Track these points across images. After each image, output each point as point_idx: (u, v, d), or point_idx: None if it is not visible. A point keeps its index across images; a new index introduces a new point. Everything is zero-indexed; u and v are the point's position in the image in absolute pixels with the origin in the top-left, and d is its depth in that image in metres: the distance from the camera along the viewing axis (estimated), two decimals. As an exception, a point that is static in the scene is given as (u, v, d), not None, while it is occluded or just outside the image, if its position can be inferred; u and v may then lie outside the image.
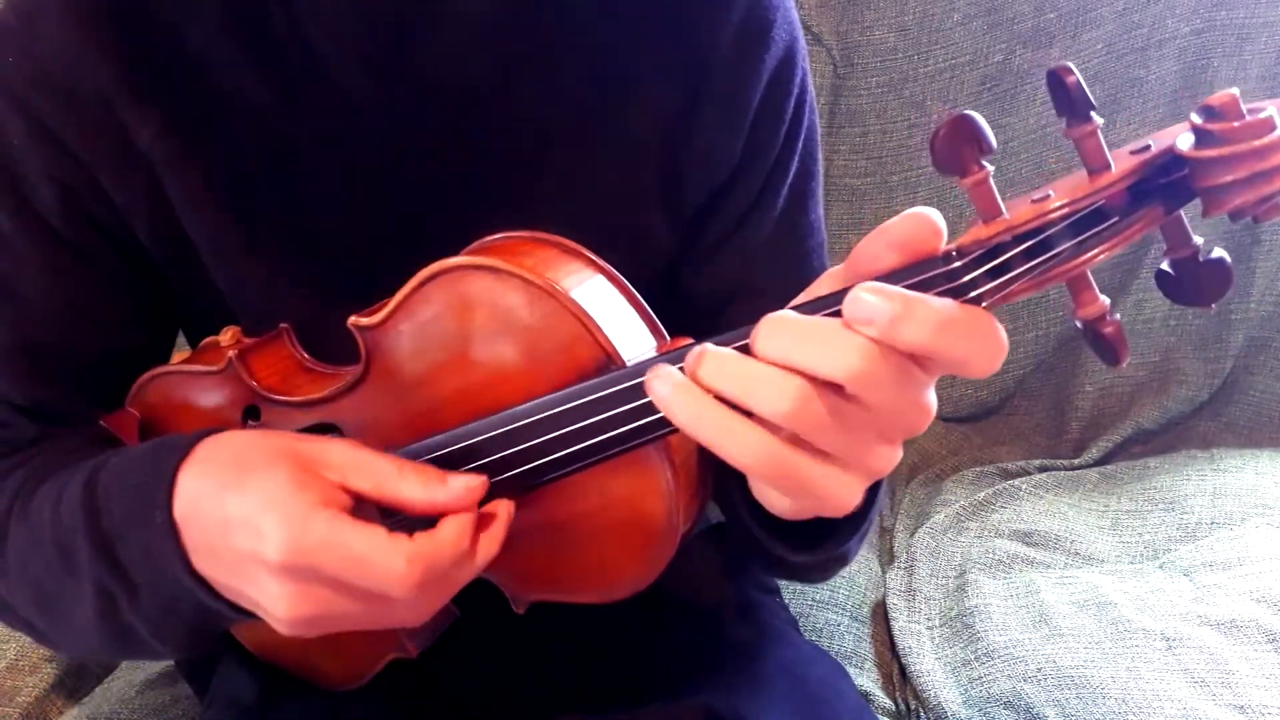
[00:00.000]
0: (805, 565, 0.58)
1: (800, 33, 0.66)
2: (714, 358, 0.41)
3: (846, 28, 1.22)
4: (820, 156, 0.70)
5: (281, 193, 0.61)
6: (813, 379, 0.39)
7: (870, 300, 0.39)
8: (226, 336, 0.60)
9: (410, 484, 0.49)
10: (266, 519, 0.47)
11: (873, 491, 0.57)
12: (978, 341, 0.39)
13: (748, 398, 0.40)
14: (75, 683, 0.96)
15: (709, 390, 0.41)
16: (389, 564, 0.47)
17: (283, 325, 0.61)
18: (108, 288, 0.63)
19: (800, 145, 0.67)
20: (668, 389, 0.42)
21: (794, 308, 0.43)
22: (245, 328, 0.61)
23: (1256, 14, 1.20)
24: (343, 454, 0.50)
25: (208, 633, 0.55)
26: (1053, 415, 1.30)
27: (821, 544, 0.57)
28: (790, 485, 0.43)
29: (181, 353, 0.67)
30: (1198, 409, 1.28)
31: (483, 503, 0.51)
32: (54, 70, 0.58)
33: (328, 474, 0.49)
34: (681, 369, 0.42)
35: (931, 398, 0.42)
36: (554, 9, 0.61)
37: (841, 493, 0.43)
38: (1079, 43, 1.21)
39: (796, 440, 0.41)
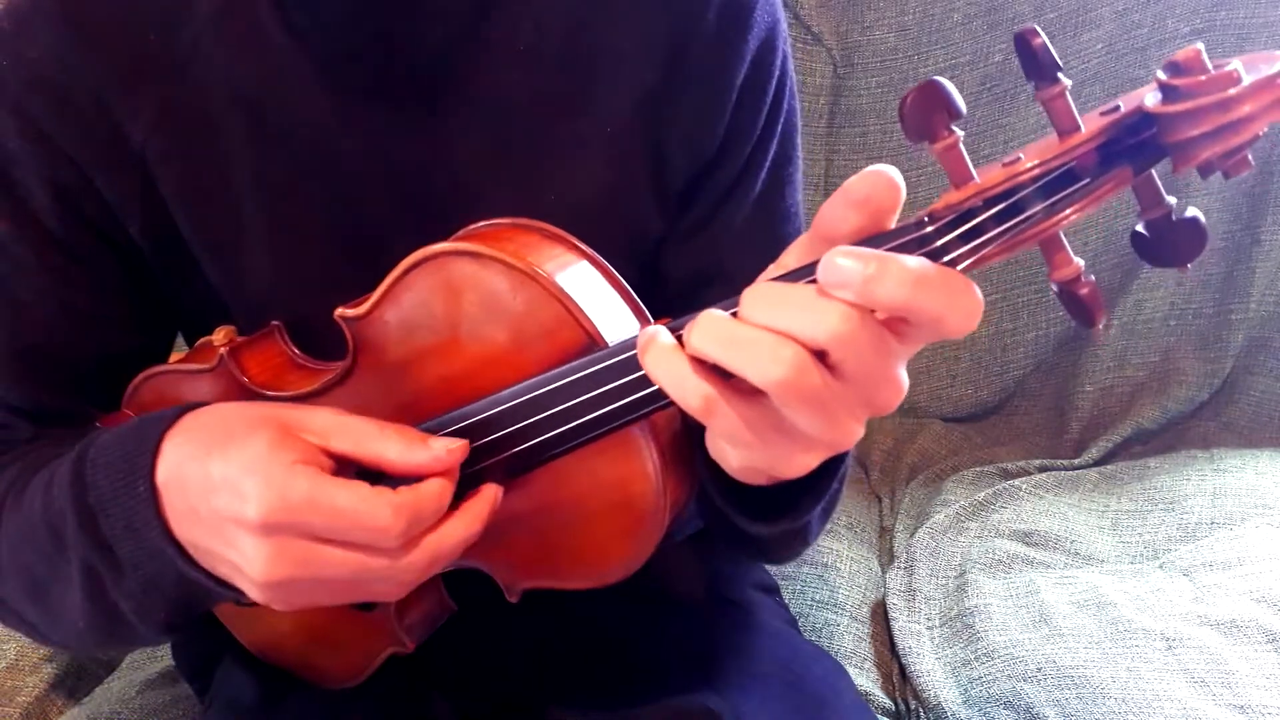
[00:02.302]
0: (763, 538, 0.59)
1: (782, 15, 0.66)
2: (710, 321, 0.41)
3: (846, 28, 1.22)
4: (799, 141, 0.70)
5: (272, 185, 0.61)
6: (800, 345, 0.40)
7: (844, 263, 0.39)
8: (219, 336, 0.60)
9: (391, 443, 0.50)
10: (248, 479, 0.47)
11: (836, 469, 0.57)
12: (952, 297, 0.39)
13: (741, 363, 0.40)
14: (75, 683, 0.96)
15: (702, 355, 0.41)
16: (374, 513, 0.47)
17: (274, 323, 0.61)
18: (104, 289, 0.63)
19: (780, 128, 0.67)
20: (656, 348, 0.43)
21: (770, 280, 0.43)
22: (240, 325, 0.61)
23: (1256, 14, 1.20)
24: (325, 418, 0.51)
25: (190, 609, 0.55)
26: (1053, 415, 1.30)
27: (780, 518, 0.57)
28: (755, 451, 0.44)
29: (179, 354, 0.67)
30: (1198, 409, 1.28)
31: (471, 486, 0.52)
32: (47, 72, 0.58)
33: (309, 437, 0.50)
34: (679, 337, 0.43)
35: (903, 374, 0.42)
36: None
37: (804, 460, 0.45)
38: (1079, 43, 1.21)
39: (772, 408, 0.42)
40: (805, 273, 0.42)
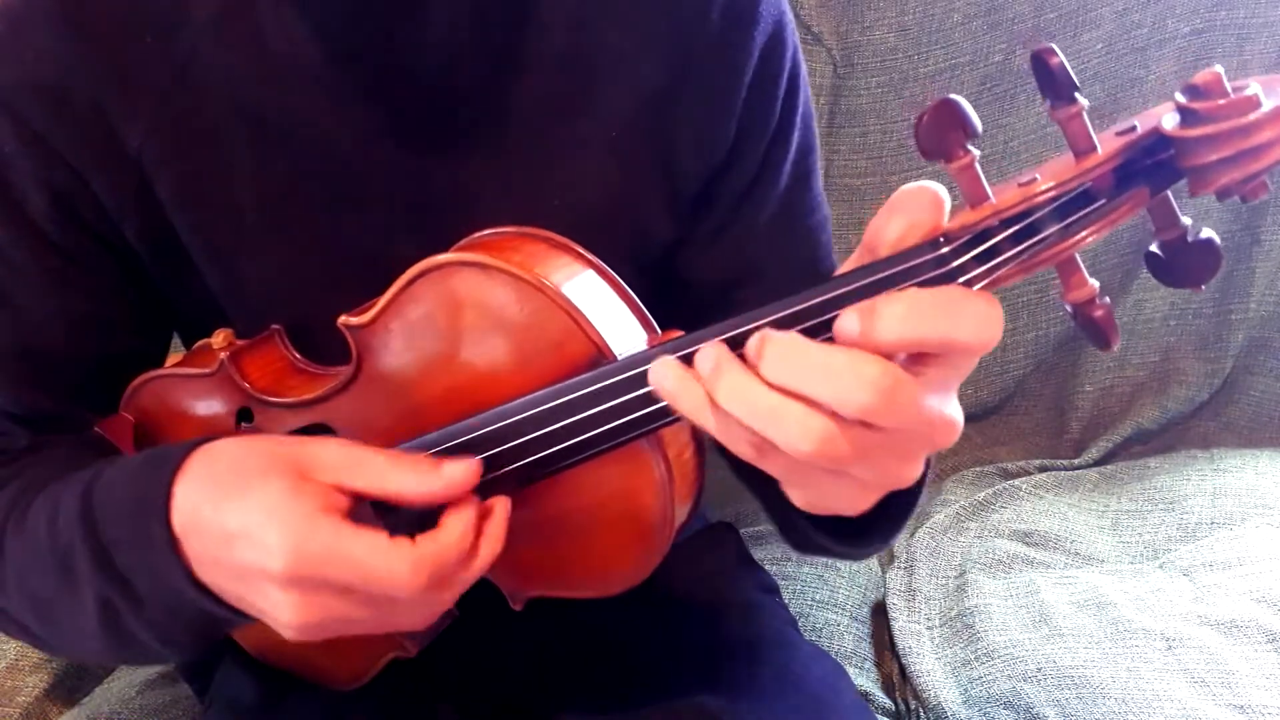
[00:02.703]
0: (845, 554, 0.60)
1: (788, 8, 0.66)
2: (736, 383, 0.41)
3: (846, 28, 1.22)
4: (817, 132, 0.70)
5: (271, 189, 0.61)
6: (832, 414, 0.39)
7: (840, 325, 0.40)
8: (219, 339, 0.60)
9: (404, 476, 0.49)
10: (268, 530, 0.47)
11: (913, 497, 0.57)
12: (952, 313, 0.39)
13: (771, 434, 0.40)
14: (75, 683, 0.96)
15: (727, 413, 0.41)
16: (393, 569, 0.47)
17: (274, 327, 0.61)
18: (101, 293, 0.63)
19: (798, 120, 0.67)
20: (675, 385, 0.43)
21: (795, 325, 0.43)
22: (238, 328, 0.61)
23: (1256, 14, 1.20)
24: (335, 454, 0.50)
25: (214, 635, 0.55)
26: (1053, 415, 1.30)
27: (862, 538, 0.58)
28: (805, 489, 0.44)
29: (176, 355, 0.67)
30: (1198, 409, 1.28)
31: (480, 496, 0.51)
32: (44, 76, 0.58)
33: (322, 476, 0.49)
34: (688, 357, 0.43)
35: (953, 410, 0.41)
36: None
37: (855, 504, 0.44)
38: (1079, 43, 1.21)
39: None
40: (822, 300, 0.42)
